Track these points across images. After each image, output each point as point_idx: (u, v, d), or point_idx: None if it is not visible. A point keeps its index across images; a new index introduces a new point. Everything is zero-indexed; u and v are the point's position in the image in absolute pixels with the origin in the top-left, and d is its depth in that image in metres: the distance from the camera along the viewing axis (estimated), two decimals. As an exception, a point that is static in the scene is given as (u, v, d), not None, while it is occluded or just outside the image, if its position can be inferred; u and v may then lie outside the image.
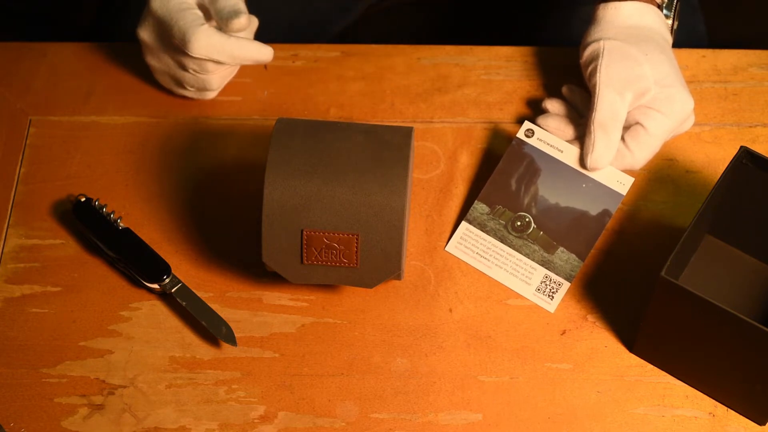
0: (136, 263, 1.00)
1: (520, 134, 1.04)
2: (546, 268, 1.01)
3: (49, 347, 0.98)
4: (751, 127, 1.10)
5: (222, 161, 1.08)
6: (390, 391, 0.96)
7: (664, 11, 1.06)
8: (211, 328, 0.98)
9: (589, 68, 1.03)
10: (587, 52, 1.03)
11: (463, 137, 1.09)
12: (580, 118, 1.05)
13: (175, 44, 1.03)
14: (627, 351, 0.98)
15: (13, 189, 1.06)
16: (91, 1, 1.41)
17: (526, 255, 1.01)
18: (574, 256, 1.01)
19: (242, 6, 1.04)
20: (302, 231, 0.92)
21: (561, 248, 1.01)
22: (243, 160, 1.07)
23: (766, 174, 0.95)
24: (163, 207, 1.05)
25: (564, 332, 0.99)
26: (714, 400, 0.96)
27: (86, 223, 1.02)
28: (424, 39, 1.18)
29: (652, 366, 0.97)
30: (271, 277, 1.01)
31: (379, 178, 0.92)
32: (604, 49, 1.02)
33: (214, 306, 1.00)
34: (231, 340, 0.98)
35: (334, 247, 0.93)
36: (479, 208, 1.03)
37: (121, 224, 1.02)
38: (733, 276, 1.01)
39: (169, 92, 1.11)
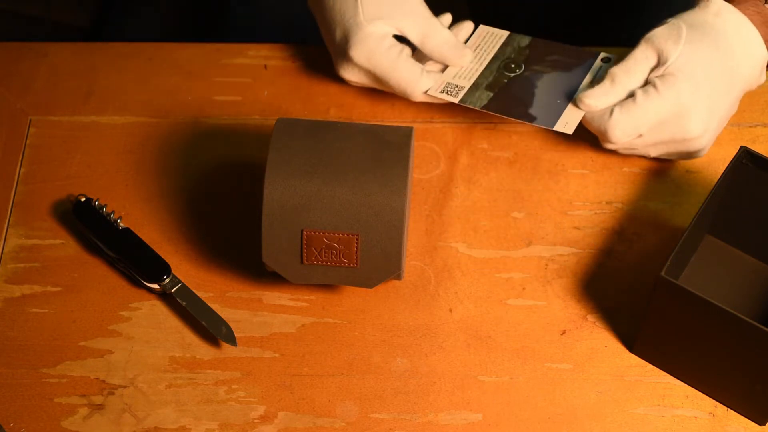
0: (136, 263, 1.00)
1: (602, 54, 1.08)
2: (469, 88, 1.05)
3: (49, 347, 0.98)
4: (751, 127, 1.10)
5: (222, 161, 1.08)
6: (390, 391, 0.96)
7: None
8: (211, 328, 0.98)
9: None
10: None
11: (463, 137, 1.09)
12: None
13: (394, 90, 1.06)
14: (627, 351, 0.98)
15: (13, 189, 1.07)
16: (92, 2, 1.41)
17: (481, 74, 1.07)
18: (485, 102, 1.04)
19: (457, 40, 1.07)
20: (302, 231, 0.92)
21: (491, 94, 1.05)
22: (243, 160, 1.07)
23: (766, 174, 0.95)
24: (163, 207, 1.05)
25: (564, 332, 0.99)
26: (714, 400, 0.96)
27: (86, 223, 1.02)
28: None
29: (652, 366, 0.97)
30: (271, 277, 1.01)
31: (379, 178, 0.92)
32: (666, 23, 1.03)
33: (214, 306, 1.00)
34: (231, 340, 0.98)
35: (334, 247, 0.93)
36: (522, 40, 1.10)
37: (121, 224, 1.02)
38: (733, 276, 1.01)
39: (169, 92, 1.11)
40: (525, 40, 1.10)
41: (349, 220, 0.92)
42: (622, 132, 1.01)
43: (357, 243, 0.92)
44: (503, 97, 1.05)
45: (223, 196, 1.06)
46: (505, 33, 1.10)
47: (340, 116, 1.11)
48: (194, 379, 0.97)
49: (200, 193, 1.06)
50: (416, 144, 1.09)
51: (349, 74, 1.06)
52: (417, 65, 1.04)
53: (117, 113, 1.11)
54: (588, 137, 1.07)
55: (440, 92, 1.04)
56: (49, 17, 1.41)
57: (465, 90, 1.05)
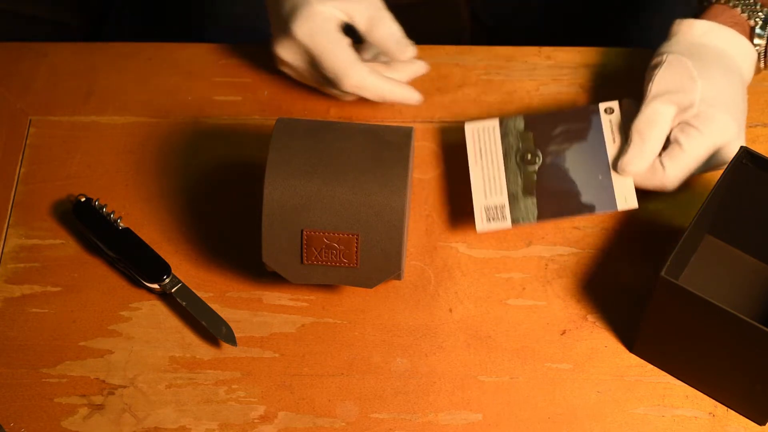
0: (136, 263, 1.00)
1: (602, 106, 1.04)
2: (509, 201, 1.01)
3: (49, 347, 0.98)
4: (751, 127, 1.10)
5: (222, 161, 1.08)
6: (390, 391, 0.96)
7: (758, 31, 1.03)
8: (211, 328, 0.98)
9: (647, 77, 1.02)
10: (651, 63, 1.03)
11: (463, 137, 1.09)
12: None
13: (326, 76, 1.04)
14: (627, 351, 0.98)
15: (13, 189, 1.07)
16: (92, 2, 1.41)
17: (507, 180, 1.02)
18: (535, 212, 1.00)
19: (404, 35, 1.04)
20: (302, 231, 0.92)
21: (534, 199, 1.01)
22: (243, 160, 1.07)
23: (766, 174, 0.95)
24: (163, 207, 1.05)
25: (564, 332, 0.99)
26: (714, 400, 0.96)
27: (86, 223, 1.02)
28: (424, 39, 1.18)
29: (652, 366, 0.97)
30: (271, 277, 1.01)
31: (379, 178, 0.92)
32: (664, 61, 1.01)
33: (214, 306, 1.00)
34: (231, 340, 0.98)
35: (334, 247, 0.93)
36: (518, 122, 1.04)
37: (121, 224, 1.02)
38: (733, 276, 1.01)
39: (169, 92, 1.11)
40: (520, 122, 1.04)
41: (349, 220, 0.92)
42: (680, 181, 1.01)
43: (357, 243, 0.92)
44: (547, 197, 1.01)
45: (223, 196, 1.06)
46: (495, 121, 1.05)
47: (340, 116, 1.11)
48: (194, 379, 0.97)
49: (200, 193, 1.06)
50: (416, 144, 1.09)
51: (285, 51, 1.05)
52: (355, 53, 1.03)
53: (117, 113, 1.11)
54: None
55: (488, 223, 1.01)
56: (49, 17, 1.41)
57: (507, 207, 1.01)
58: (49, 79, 1.13)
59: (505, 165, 1.02)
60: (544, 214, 1.01)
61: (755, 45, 1.04)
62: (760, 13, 1.03)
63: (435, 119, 1.11)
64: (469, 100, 1.11)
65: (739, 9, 1.03)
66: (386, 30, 1.03)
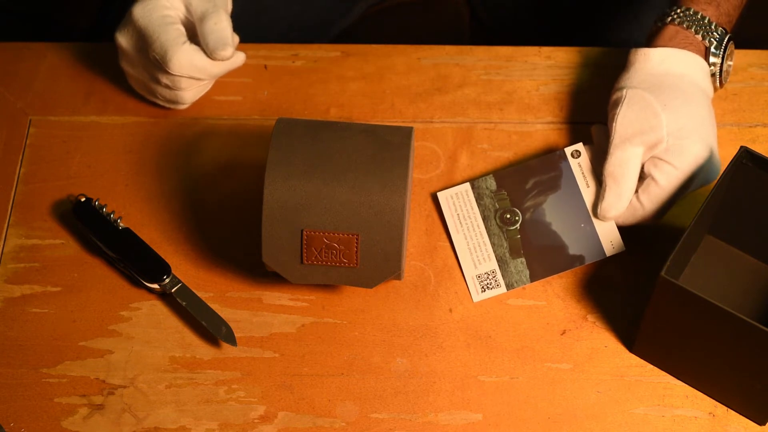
0: (136, 263, 1.00)
1: (568, 150, 1.04)
2: (498, 265, 1.01)
3: (49, 347, 0.98)
4: (751, 127, 1.10)
5: (222, 161, 1.08)
6: (390, 391, 0.96)
7: (713, 50, 1.02)
8: (211, 328, 0.98)
9: (610, 115, 1.02)
10: (612, 99, 1.03)
11: (463, 137, 1.09)
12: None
13: (153, 57, 1.03)
14: (627, 351, 0.98)
15: (13, 189, 1.07)
16: (92, 2, 1.42)
17: (492, 244, 1.02)
18: (527, 273, 1.01)
19: (229, 36, 1.04)
20: (302, 231, 0.92)
21: (522, 259, 1.01)
22: (243, 160, 1.07)
23: (766, 174, 0.95)
24: (163, 207, 1.05)
25: (564, 332, 0.99)
26: (714, 400, 0.96)
27: (86, 223, 1.02)
28: (424, 39, 1.18)
29: (652, 366, 0.97)
30: (271, 277, 1.01)
31: (379, 178, 0.92)
32: (624, 98, 1.01)
33: (214, 306, 1.00)
34: (231, 340, 0.98)
35: (334, 247, 0.93)
36: (489, 182, 1.04)
37: (121, 224, 1.02)
38: (733, 276, 1.01)
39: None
40: (491, 182, 1.04)
41: (349, 220, 0.92)
42: (662, 214, 1.01)
43: (357, 243, 0.92)
44: (536, 256, 1.01)
45: (223, 196, 1.06)
46: (466, 185, 1.04)
47: (340, 116, 1.11)
48: (194, 379, 0.97)
49: (200, 193, 1.06)
50: (416, 144, 1.09)
51: (122, 37, 1.05)
52: (183, 36, 1.03)
53: (117, 113, 1.11)
54: (588, 137, 1.07)
55: (483, 293, 1.00)
56: (50, 17, 1.41)
57: (497, 272, 1.01)
58: (49, 79, 1.13)
59: (486, 229, 1.02)
60: (536, 275, 1.01)
61: (710, 64, 1.03)
62: (714, 33, 1.02)
63: (435, 119, 1.11)
64: (469, 100, 1.11)
65: (693, 30, 1.02)
66: (212, 25, 1.03)
